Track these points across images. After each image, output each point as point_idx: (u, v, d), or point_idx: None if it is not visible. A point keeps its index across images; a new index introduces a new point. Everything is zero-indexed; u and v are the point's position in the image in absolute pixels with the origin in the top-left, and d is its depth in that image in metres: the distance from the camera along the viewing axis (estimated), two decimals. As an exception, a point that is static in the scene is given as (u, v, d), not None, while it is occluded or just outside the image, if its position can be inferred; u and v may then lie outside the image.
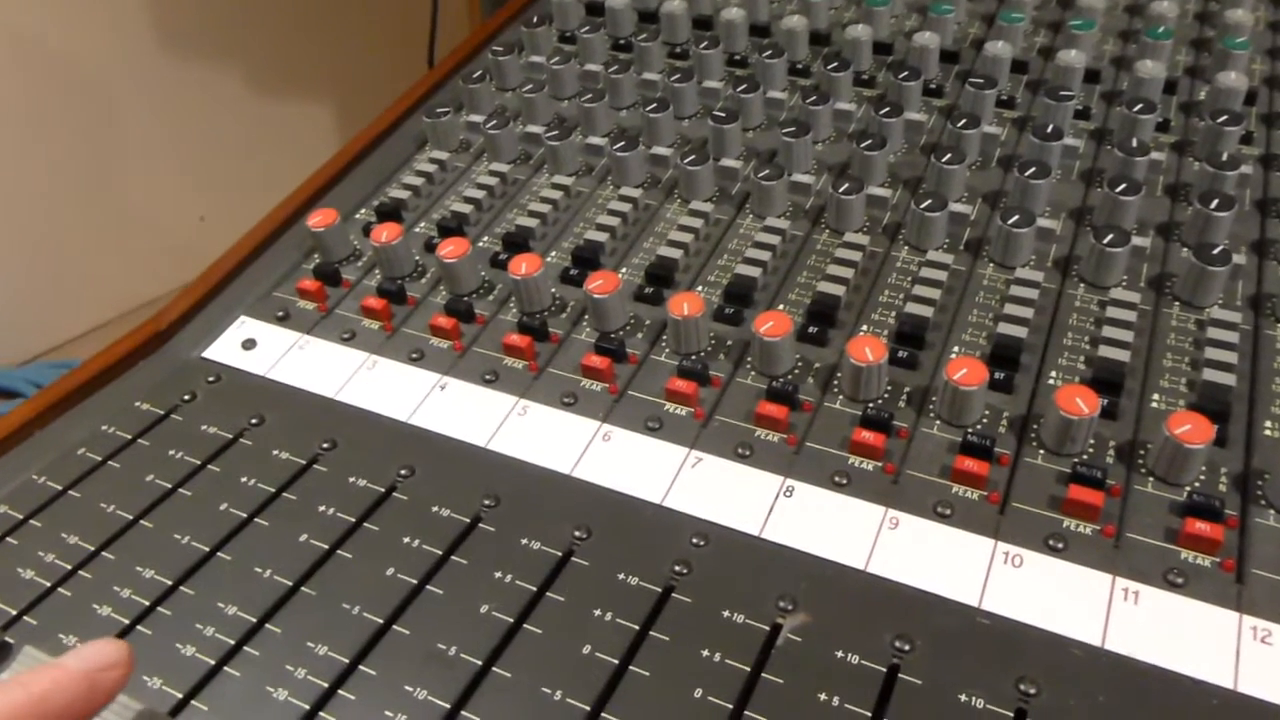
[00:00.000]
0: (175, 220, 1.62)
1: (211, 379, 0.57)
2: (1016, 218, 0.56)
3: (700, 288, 0.58)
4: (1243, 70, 0.67)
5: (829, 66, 0.70)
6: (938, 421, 0.49)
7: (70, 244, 1.54)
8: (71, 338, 1.60)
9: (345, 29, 1.64)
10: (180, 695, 0.41)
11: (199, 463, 0.51)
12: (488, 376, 0.55)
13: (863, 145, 0.63)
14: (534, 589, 0.44)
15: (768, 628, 0.42)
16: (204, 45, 1.52)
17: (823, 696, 0.39)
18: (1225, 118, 0.62)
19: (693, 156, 0.64)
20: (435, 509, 0.48)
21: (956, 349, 0.53)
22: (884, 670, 0.40)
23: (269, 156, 1.63)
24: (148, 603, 0.45)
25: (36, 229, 1.48)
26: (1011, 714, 0.38)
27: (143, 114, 1.51)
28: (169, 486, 0.50)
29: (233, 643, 0.43)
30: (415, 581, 0.44)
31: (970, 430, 0.48)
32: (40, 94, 1.39)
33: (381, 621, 0.43)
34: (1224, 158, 0.59)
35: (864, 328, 0.55)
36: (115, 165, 1.52)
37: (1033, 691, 0.39)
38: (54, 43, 1.37)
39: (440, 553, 0.46)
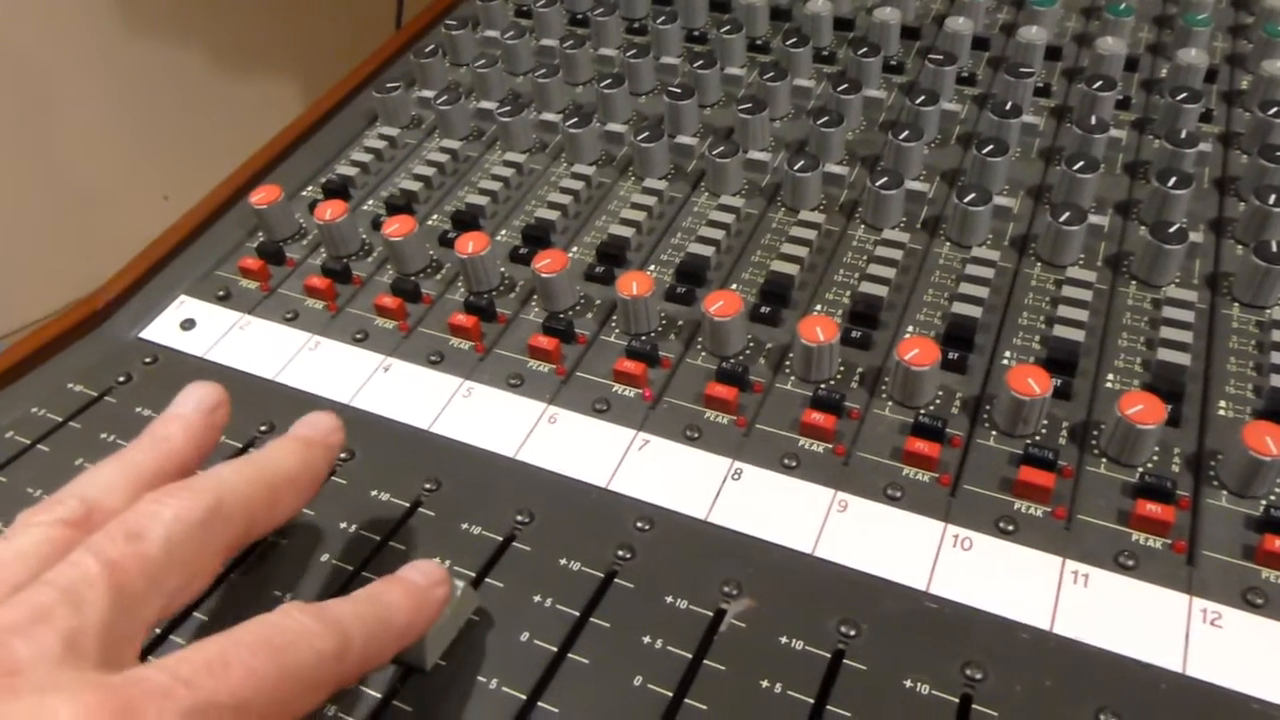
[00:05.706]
0: (140, 201, 1.58)
1: (148, 360, 0.55)
2: (973, 196, 0.55)
3: (652, 267, 0.57)
4: (1204, 47, 0.66)
5: (788, 42, 0.69)
6: (890, 403, 0.48)
7: (28, 226, 1.50)
8: (33, 321, 1.56)
9: (312, 1, 1.61)
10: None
11: (131, 447, 0.49)
12: (433, 358, 0.53)
13: (820, 122, 0.61)
14: (473, 574, 0.42)
15: (711, 613, 0.41)
16: (166, 19, 1.49)
17: (765, 684, 0.38)
18: (1185, 95, 0.61)
19: (647, 133, 0.62)
20: (374, 493, 0.46)
21: (911, 329, 0.52)
22: (828, 656, 0.39)
23: (236, 132, 1.58)
24: (73, 591, 0.43)
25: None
26: (957, 699, 0.37)
27: (105, 92, 1.47)
28: (99, 471, 0.48)
29: (157, 631, 0.41)
30: (351, 568, 0.43)
31: (922, 411, 0.48)
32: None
33: (315, 609, 0.41)
34: (1183, 135, 0.58)
35: (818, 307, 0.54)
36: (75, 146, 1.48)
37: (979, 676, 0.38)
38: (6, 20, 1.34)
39: (378, 539, 0.44)
